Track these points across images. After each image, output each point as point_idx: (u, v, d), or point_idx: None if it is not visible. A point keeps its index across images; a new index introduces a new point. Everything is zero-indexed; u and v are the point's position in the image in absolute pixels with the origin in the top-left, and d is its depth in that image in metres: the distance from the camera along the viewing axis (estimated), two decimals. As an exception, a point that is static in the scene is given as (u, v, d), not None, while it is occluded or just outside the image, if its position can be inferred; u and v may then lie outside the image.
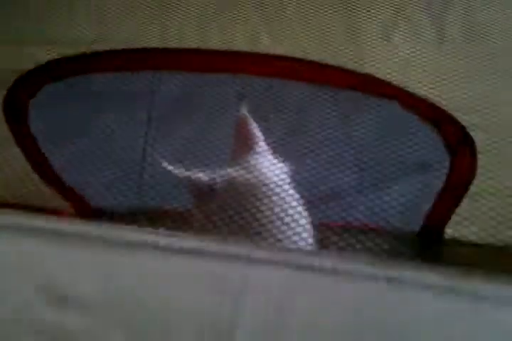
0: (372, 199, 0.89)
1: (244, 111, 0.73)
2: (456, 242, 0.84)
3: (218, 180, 0.65)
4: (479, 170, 0.71)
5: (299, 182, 0.70)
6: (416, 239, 0.87)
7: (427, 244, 0.86)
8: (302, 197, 0.68)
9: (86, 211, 0.93)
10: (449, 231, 0.85)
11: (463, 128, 0.69)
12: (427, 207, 0.83)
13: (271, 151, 0.73)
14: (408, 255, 0.86)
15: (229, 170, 0.67)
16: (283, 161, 0.73)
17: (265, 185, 0.65)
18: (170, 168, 0.64)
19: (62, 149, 0.92)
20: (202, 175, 0.65)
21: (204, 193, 0.65)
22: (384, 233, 0.88)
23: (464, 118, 0.68)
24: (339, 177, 0.83)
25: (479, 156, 0.69)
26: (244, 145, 0.72)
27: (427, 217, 0.83)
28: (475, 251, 0.83)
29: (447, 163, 0.73)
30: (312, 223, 0.69)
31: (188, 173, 0.65)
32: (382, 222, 0.85)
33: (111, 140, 0.97)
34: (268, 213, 0.63)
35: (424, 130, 0.72)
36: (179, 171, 0.64)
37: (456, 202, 0.76)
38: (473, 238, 0.82)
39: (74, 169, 0.90)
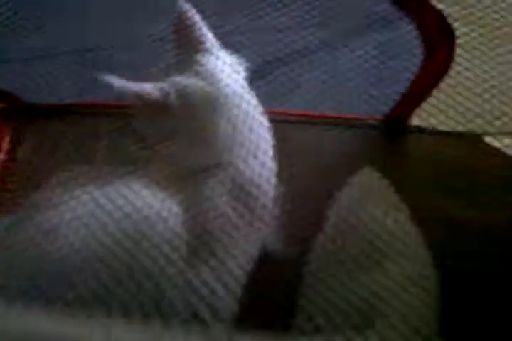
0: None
1: (181, 2, 0.61)
2: (421, 130, 0.82)
3: (172, 93, 0.56)
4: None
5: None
6: (382, 126, 0.83)
7: (392, 133, 0.83)
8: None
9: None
10: (415, 121, 0.82)
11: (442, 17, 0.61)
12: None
13: (221, 46, 0.63)
14: (373, 144, 0.83)
15: (178, 78, 0.58)
16: (238, 57, 0.64)
17: (224, 94, 0.58)
18: (110, 80, 0.54)
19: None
20: (151, 89, 0.56)
21: (157, 111, 0.57)
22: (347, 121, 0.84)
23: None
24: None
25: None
26: (189, 43, 0.61)
27: (396, 105, 0.78)
28: (440, 139, 0.81)
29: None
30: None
31: (134, 87, 0.55)
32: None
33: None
34: (229, 129, 0.57)
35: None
36: (121, 85, 0.54)
37: (426, 94, 0.72)
38: (440, 127, 0.79)
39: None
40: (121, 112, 0.82)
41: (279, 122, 0.69)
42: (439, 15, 0.59)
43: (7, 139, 0.78)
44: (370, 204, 0.66)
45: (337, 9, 0.71)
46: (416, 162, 0.79)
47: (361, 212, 0.65)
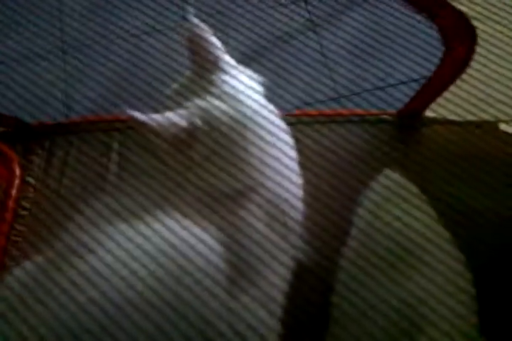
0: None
1: (191, 17, 0.58)
2: (434, 121, 0.81)
3: (198, 121, 0.54)
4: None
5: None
6: (395, 119, 0.82)
7: (407, 126, 0.82)
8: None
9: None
10: (429, 112, 0.80)
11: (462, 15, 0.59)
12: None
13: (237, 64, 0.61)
14: (390, 139, 0.82)
15: (199, 102, 0.56)
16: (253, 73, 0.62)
17: (248, 116, 0.56)
18: (135, 114, 0.52)
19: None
20: (176, 119, 0.54)
21: (184, 140, 0.55)
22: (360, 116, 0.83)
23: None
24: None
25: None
26: (204, 62, 0.59)
27: (411, 99, 0.77)
28: (453, 129, 0.80)
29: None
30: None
31: (160, 120, 0.53)
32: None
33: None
34: (257, 151, 0.55)
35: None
36: (146, 119, 0.52)
37: (442, 90, 0.70)
38: (452, 117, 0.78)
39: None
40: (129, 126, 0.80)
41: (294, 124, 0.69)
42: (460, 17, 0.57)
43: (16, 165, 0.75)
44: (395, 207, 0.66)
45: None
46: (434, 154, 0.78)
47: (387, 216, 0.65)
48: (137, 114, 0.52)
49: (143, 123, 0.52)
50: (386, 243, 0.62)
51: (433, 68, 0.70)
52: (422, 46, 0.68)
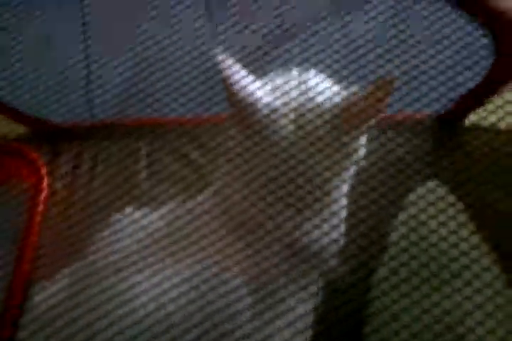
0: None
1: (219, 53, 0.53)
2: (477, 128, 0.77)
3: None
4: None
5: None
6: (435, 124, 0.79)
7: (447, 130, 0.79)
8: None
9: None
10: (472, 117, 0.77)
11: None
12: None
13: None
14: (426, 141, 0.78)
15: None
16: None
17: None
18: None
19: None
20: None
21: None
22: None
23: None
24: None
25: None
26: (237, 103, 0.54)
27: (455, 103, 0.73)
28: (499, 137, 0.76)
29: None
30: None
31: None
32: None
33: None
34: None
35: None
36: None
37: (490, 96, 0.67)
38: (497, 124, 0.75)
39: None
40: (158, 130, 0.78)
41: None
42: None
43: (43, 170, 0.73)
44: (432, 219, 0.63)
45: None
46: (476, 162, 0.74)
47: (423, 229, 0.62)
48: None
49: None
50: (421, 257, 0.60)
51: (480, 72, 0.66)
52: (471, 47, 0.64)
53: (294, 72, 0.57)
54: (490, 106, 0.71)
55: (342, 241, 0.59)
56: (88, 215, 0.63)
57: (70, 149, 0.77)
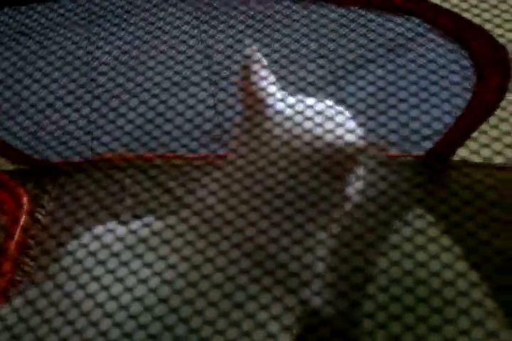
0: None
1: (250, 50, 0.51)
2: (465, 163, 0.77)
3: None
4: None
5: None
6: (422, 163, 0.78)
7: (434, 169, 0.78)
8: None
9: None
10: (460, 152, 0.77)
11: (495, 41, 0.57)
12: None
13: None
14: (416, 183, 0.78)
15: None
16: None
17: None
18: None
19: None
20: None
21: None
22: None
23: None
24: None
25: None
26: (255, 105, 0.52)
27: (440, 140, 0.74)
28: (487, 172, 0.76)
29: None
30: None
31: None
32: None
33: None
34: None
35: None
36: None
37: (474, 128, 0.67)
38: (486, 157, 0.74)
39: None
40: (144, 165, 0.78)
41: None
42: (493, 43, 0.56)
43: (25, 200, 0.72)
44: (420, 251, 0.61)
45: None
46: (465, 199, 0.73)
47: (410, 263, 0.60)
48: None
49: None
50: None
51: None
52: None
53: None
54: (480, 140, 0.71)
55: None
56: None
57: (54, 182, 0.76)
